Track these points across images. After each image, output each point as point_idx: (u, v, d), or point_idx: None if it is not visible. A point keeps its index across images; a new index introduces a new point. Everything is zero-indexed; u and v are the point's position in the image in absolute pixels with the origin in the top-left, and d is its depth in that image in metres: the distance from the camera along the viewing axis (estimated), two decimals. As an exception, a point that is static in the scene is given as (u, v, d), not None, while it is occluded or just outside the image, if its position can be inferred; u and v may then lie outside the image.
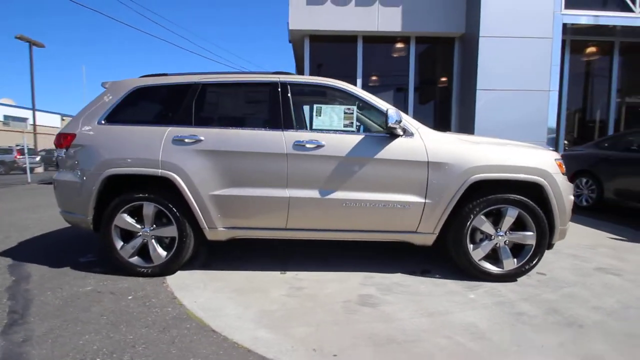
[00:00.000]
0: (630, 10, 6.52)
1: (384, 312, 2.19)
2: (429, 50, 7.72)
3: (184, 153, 2.61)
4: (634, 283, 2.68)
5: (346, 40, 7.39)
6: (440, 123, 7.54)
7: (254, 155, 2.60)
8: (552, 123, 6.76)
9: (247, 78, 2.83)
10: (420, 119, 2.81)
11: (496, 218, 2.66)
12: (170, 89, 2.79)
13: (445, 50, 7.57)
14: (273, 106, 2.70)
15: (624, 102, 7.95)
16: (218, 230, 2.69)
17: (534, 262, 2.65)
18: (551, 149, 3.12)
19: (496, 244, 2.65)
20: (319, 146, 2.59)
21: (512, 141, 2.84)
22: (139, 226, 2.69)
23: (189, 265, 2.87)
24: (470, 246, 2.65)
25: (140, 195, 2.64)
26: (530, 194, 2.62)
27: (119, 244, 2.70)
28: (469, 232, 2.62)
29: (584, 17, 6.57)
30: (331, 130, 2.66)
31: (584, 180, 5.47)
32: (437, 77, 7.83)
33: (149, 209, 2.65)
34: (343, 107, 2.71)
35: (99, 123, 2.76)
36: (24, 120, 30.14)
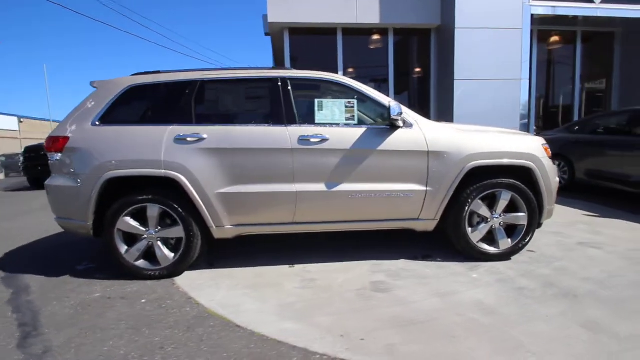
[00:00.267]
0: (591, 2, 6.95)
1: (398, 296, 2.30)
2: (407, 42, 7.89)
3: (187, 152, 2.58)
4: (613, 255, 2.95)
5: (326, 32, 7.40)
6: (420, 112, 7.65)
7: (259, 152, 2.61)
8: (524, 110, 7.14)
9: (247, 74, 2.81)
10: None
11: (491, 201, 2.83)
12: (168, 87, 2.73)
13: (422, 42, 7.77)
14: (275, 102, 2.71)
15: (584, 88, 8.50)
16: (225, 228, 2.69)
17: (527, 241, 2.85)
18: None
19: (492, 225, 2.83)
20: (324, 140, 2.64)
21: (501, 128, 3.02)
22: (143, 229, 2.64)
23: (194, 266, 2.86)
24: (469, 229, 2.81)
25: (144, 197, 2.59)
26: (520, 177, 2.80)
27: (123, 248, 2.64)
28: (467, 216, 2.77)
29: (550, 8, 6.93)
30: (334, 123, 2.71)
31: (557, 162, 5.84)
32: (416, 67, 8.03)
33: (153, 210, 2.60)
34: (344, 100, 2.77)
35: (93, 124, 2.66)
36: (-26, 123, 27.90)
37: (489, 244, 2.86)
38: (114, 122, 2.67)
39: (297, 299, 2.30)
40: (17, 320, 2.16)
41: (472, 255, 2.83)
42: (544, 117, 8.53)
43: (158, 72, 2.85)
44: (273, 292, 2.41)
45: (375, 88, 2.93)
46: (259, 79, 2.80)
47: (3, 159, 16.54)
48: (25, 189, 9.75)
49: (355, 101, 2.76)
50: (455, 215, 2.77)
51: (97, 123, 2.66)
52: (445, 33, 7.21)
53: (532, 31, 7.10)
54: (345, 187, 2.67)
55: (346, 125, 2.72)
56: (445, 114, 7.27)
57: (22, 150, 9.58)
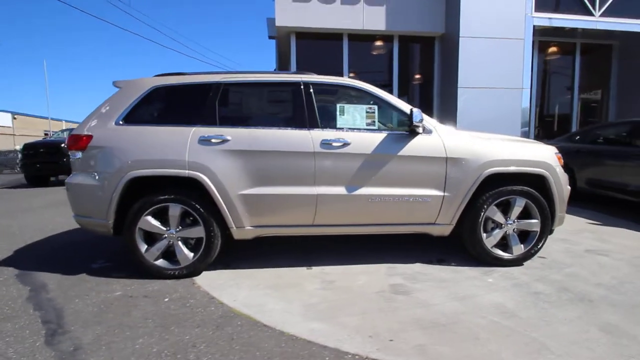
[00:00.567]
0: (591, 14, 7.14)
1: (419, 299, 2.34)
2: (411, 49, 8.00)
3: (211, 153, 2.61)
4: (621, 262, 3.03)
5: (332, 37, 7.48)
6: (423, 119, 7.84)
7: (282, 155, 2.65)
8: (525, 118, 7.29)
9: (270, 78, 2.85)
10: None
11: (505, 208, 2.90)
12: (192, 89, 2.76)
13: (426, 49, 7.89)
14: (297, 105, 2.76)
15: (582, 99, 8.70)
16: (245, 229, 2.72)
17: (539, 247, 2.92)
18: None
19: (506, 231, 2.90)
20: (346, 144, 2.69)
21: (514, 137, 3.10)
22: (164, 228, 2.65)
23: (211, 266, 2.87)
24: (484, 235, 2.87)
25: (167, 196, 2.60)
26: (532, 185, 2.88)
27: (143, 247, 2.65)
28: (482, 222, 2.84)
29: (552, 19, 7.11)
30: (355, 128, 2.77)
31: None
32: (419, 74, 8.14)
33: (175, 210, 2.62)
34: (365, 106, 2.83)
35: (117, 124, 2.68)
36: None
37: (503, 249, 2.92)
38: (137, 122, 2.69)
39: (320, 300, 2.33)
40: (40, 317, 2.16)
41: (487, 260, 2.89)
42: (543, 126, 8.71)
43: (181, 73, 2.88)
44: (295, 293, 2.44)
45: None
46: (281, 83, 2.84)
47: (-4, 155, 16.29)
48: (21, 186, 9.62)
49: (375, 107, 2.82)
50: (471, 221, 2.83)
51: (121, 122, 2.68)
52: (449, 41, 7.34)
53: (533, 42, 7.27)
54: (365, 190, 2.72)
55: (367, 130, 2.78)
56: (448, 121, 7.35)
57: (21, 147, 9.47)
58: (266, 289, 2.51)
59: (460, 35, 6.87)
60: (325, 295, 2.40)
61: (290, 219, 2.75)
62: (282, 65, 9.88)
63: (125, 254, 3.29)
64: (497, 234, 2.89)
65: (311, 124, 2.73)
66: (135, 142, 2.62)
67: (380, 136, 2.74)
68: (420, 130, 2.74)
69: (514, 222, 2.89)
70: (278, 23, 7.08)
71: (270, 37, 10.09)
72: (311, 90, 2.79)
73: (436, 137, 2.79)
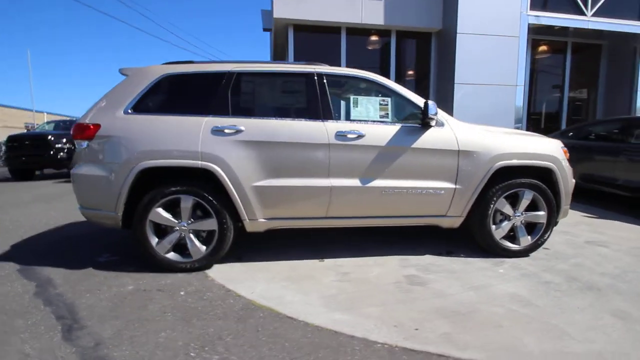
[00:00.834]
0: (584, 14, 7.31)
1: (435, 289, 2.37)
2: (409, 44, 8.04)
3: (225, 144, 2.56)
4: (620, 252, 3.14)
5: (330, 30, 7.44)
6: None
7: (297, 146, 2.62)
8: (519, 114, 7.44)
9: (282, 68, 2.81)
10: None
11: (513, 200, 2.96)
12: (204, 77, 2.70)
13: (423, 45, 7.94)
14: (311, 97, 2.73)
15: (572, 96, 8.94)
16: (258, 221, 2.69)
17: (545, 238, 3.00)
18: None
19: (514, 223, 2.96)
20: (360, 136, 2.68)
21: (521, 131, 3.15)
22: (175, 220, 2.60)
23: (222, 259, 2.83)
24: (493, 227, 2.92)
25: (179, 188, 2.55)
26: (539, 177, 2.94)
27: (154, 240, 2.59)
28: (492, 213, 2.89)
29: (546, 18, 7.25)
30: (369, 120, 2.76)
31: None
32: (416, 69, 8.20)
33: (187, 202, 2.57)
34: (378, 98, 2.82)
35: (126, 112, 2.60)
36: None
37: (511, 241, 2.98)
38: (147, 111, 2.62)
39: (338, 291, 2.33)
40: (52, 313, 2.09)
41: (495, 251, 2.95)
42: (533, 123, 8.91)
43: (191, 62, 2.81)
44: (311, 285, 2.43)
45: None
46: (294, 74, 2.80)
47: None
48: (5, 180, 9.25)
49: (389, 99, 2.82)
50: (481, 213, 2.87)
51: (130, 111, 2.60)
52: (446, 37, 7.40)
53: (527, 40, 7.40)
54: (378, 183, 2.73)
55: (380, 122, 2.78)
56: (444, 116, 7.45)
57: (5, 139, 9.09)
58: (282, 282, 2.49)
59: (458, 31, 6.93)
60: (342, 287, 2.40)
61: (304, 211, 2.73)
62: (278, 58, 9.77)
63: (130, 247, 3.25)
64: (506, 226, 2.95)
65: (325, 115, 2.70)
66: (145, 131, 2.55)
67: (394, 128, 2.75)
68: (433, 123, 2.75)
69: (521, 214, 2.95)
70: (276, 15, 7.00)
71: (265, 30, 9.96)
72: (324, 81, 2.76)
73: (448, 130, 2.81)
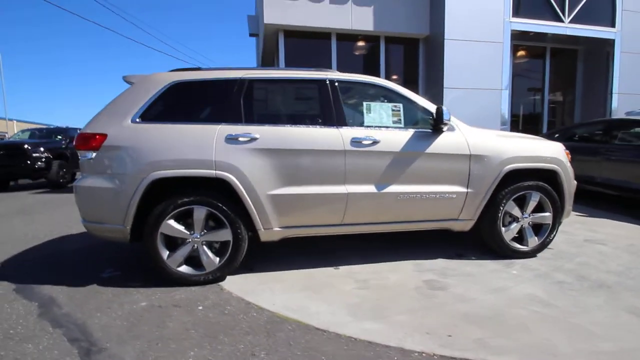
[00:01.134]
0: (562, 21, 7.66)
1: (457, 293, 2.38)
2: (397, 50, 8.16)
3: (239, 152, 2.49)
4: (618, 250, 3.27)
5: (321, 36, 7.45)
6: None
7: (312, 153, 2.58)
8: (504, 118, 7.68)
9: (294, 74, 2.77)
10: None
11: (520, 202, 3.03)
12: (215, 85, 2.62)
13: (412, 50, 8.08)
14: (325, 103, 2.71)
15: (551, 100, 9.32)
16: (273, 230, 2.63)
17: (551, 239, 3.09)
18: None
19: (522, 225, 3.03)
20: (375, 142, 2.67)
21: (526, 134, 3.25)
22: (187, 232, 2.50)
23: (234, 271, 2.74)
24: (502, 229, 2.98)
25: (192, 198, 2.45)
26: (544, 180, 3.03)
27: (165, 253, 2.49)
28: (502, 216, 2.94)
29: (527, 25, 7.54)
30: (382, 126, 2.76)
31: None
32: (405, 75, 8.32)
33: (200, 212, 2.48)
34: (390, 104, 2.83)
35: (134, 121, 2.49)
36: None
37: (519, 242, 3.05)
38: (156, 120, 2.52)
39: (361, 300, 2.31)
40: (64, 335, 1.95)
41: (505, 253, 3.00)
42: (516, 125, 9.22)
43: (198, 68, 2.73)
44: (333, 294, 2.39)
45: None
46: (307, 80, 2.77)
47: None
48: (-24, 191, 8.70)
49: (401, 105, 2.83)
50: (491, 216, 2.92)
51: (138, 120, 2.49)
52: (433, 43, 7.57)
53: (510, 45, 7.67)
54: (393, 188, 2.73)
55: (393, 128, 2.78)
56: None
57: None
58: (301, 291, 2.44)
59: (445, 37, 7.10)
60: (364, 295, 2.38)
61: (320, 219, 2.69)
62: (266, 64, 9.70)
63: (133, 260, 3.11)
64: (515, 228, 3.01)
65: (339, 122, 2.69)
66: (156, 141, 2.44)
67: (407, 134, 2.76)
68: (445, 128, 2.79)
69: (529, 215, 3.03)
70: (266, 20, 6.94)
71: (252, 35, 9.87)
72: (337, 87, 2.75)
73: (460, 135, 2.85)
